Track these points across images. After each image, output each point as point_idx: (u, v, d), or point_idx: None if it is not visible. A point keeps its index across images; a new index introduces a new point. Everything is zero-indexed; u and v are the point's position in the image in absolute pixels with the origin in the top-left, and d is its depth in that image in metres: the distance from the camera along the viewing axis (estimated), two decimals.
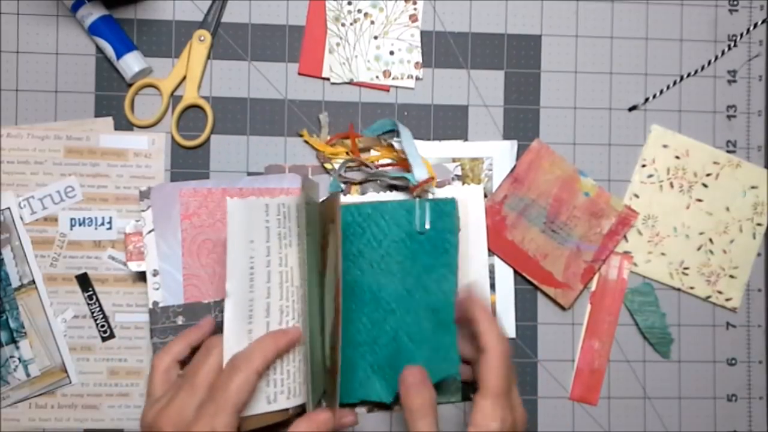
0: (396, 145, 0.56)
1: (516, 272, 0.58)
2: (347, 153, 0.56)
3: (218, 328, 0.53)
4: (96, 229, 0.56)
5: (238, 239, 0.47)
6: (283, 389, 0.48)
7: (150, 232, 0.54)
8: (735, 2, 0.60)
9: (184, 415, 0.43)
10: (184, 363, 0.49)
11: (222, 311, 0.54)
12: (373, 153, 0.57)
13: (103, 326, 0.56)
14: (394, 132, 0.57)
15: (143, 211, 0.54)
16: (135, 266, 0.54)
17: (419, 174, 0.53)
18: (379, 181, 0.56)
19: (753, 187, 0.59)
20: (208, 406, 0.43)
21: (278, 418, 0.48)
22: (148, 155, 0.56)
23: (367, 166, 0.56)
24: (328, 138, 0.57)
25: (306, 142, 0.57)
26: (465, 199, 0.56)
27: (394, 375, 0.53)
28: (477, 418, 0.45)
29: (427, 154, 0.57)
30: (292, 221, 0.49)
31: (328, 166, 0.56)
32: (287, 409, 0.48)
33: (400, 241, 0.54)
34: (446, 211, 0.53)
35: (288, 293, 0.49)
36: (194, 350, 0.49)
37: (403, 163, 0.56)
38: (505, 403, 0.45)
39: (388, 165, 0.57)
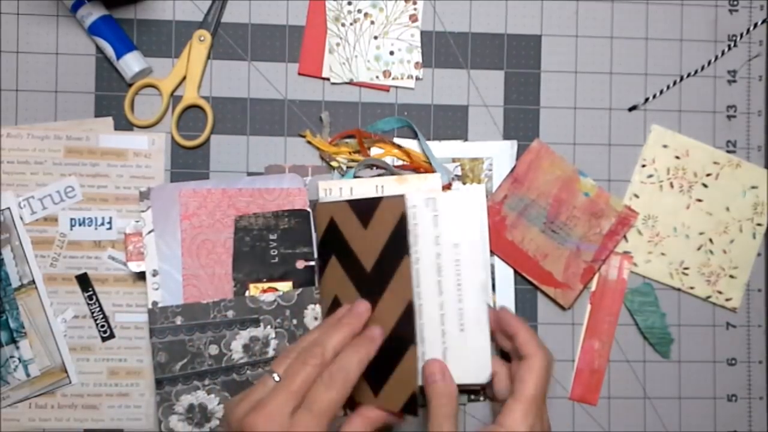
0: (403, 144, 0.57)
1: (516, 272, 0.58)
2: (350, 152, 0.56)
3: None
4: (96, 229, 0.56)
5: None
6: None
7: (150, 232, 0.54)
8: (735, 2, 0.60)
9: (279, 419, 0.43)
10: None
11: (220, 312, 0.54)
12: (374, 150, 0.57)
13: (103, 326, 0.56)
14: (393, 129, 0.57)
15: (143, 211, 0.54)
16: (135, 266, 0.54)
17: (443, 178, 0.55)
18: None
19: (753, 187, 0.59)
20: (304, 415, 0.43)
21: None
22: (148, 155, 0.56)
23: (386, 166, 0.56)
24: (329, 138, 0.57)
25: (309, 142, 0.57)
26: (459, 198, 0.56)
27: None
28: (506, 420, 0.46)
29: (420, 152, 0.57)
30: None
31: (334, 164, 0.56)
32: None
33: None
34: None
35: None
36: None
37: (414, 163, 0.56)
38: (537, 411, 0.46)
39: (398, 166, 0.57)
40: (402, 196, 0.51)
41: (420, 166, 0.56)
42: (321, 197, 0.55)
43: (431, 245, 0.52)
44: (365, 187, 0.54)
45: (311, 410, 0.43)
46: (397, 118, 0.57)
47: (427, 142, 0.57)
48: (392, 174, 0.56)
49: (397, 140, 0.57)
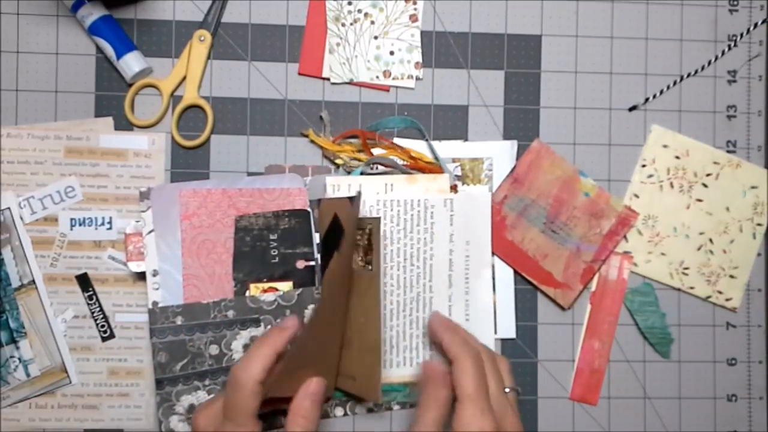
0: (404, 145, 0.57)
1: (516, 272, 0.58)
2: (353, 151, 0.56)
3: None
4: (96, 229, 0.56)
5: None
6: None
7: (150, 232, 0.54)
8: (735, 2, 0.60)
9: (215, 420, 0.46)
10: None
11: (220, 311, 0.54)
12: (376, 150, 0.57)
13: (103, 326, 0.56)
14: (394, 129, 0.57)
15: (143, 211, 0.54)
16: (135, 266, 0.54)
17: (451, 180, 0.56)
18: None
19: (753, 187, 0.59)
20: (226, 423, 0.46)
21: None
22: (148, 155, 0.56)
23: (394, 165, 0.56)
24: (331, 138, 0.57)
25: (312, 141, 0.57)
26: (471, 199, 0.56)
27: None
28: (456, 426, 0.46)
29: (427, 154, 0.57)
30: None
31: (339, 161, 0.56)
32: None
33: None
34: None
35: None
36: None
37: (418, 164, 0.56)
38: (484, 406, 0.46)
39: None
40: (341, 199, 0.53)
41: (424, 168, 0.56)
42: (328, 194, 0.55)
43: (446, 242, 0.55)
44: (374, 185, 0.54)
45: (230, 418, 0.45)
46: (402, 117, 0.57)
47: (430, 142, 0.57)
48: (402, 173, 0.56)
49: (397, 140, 0.57)
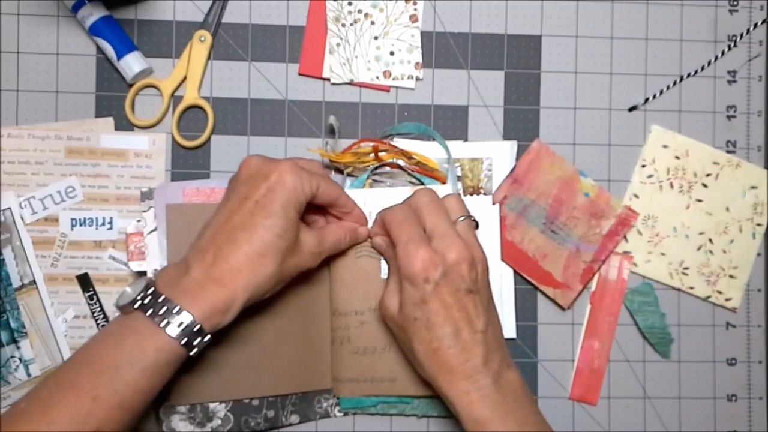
0: (404, 145, 0.57)
1: (516, 272, 0.58)
2: (361, 156, 0.56)
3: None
4: (97, 229, 0.56)
5: None
6: None
7: (152, 231, 0.54)
8: (735, 2, 0.60)
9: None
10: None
11: None
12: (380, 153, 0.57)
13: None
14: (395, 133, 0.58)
15: (144, 211, 0.54)
16: (136, 266, 0.54)
17: (454, 188, 0.56)
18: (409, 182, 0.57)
19: (753, 187, 0.59)
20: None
21: None
22: (148, 155, 0.56)
23: (402, 169, 0.56)
24: (338, 145, 0.57)
25: (330, 160, 0.56)
26: (489, 210, 0.57)
27: None
28: (400, 263, 0.46)
29: (427, 155, 0.57)
30: None
31: (348, 170, 0.56)
32: None
33: None
34: None
35: None
36: None
37: (422, 170, 0.56)
38: (409, 243, 0.46)
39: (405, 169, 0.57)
40: None
41: (430, 175, 0.56)
42: None
43: None
44: (380, 197, 0.54)
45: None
46: (416, 124, 0.57)
47: (428, 143, 0.57)
48: (409, 174, 0.56)
49: (397, 140, 0.57)
